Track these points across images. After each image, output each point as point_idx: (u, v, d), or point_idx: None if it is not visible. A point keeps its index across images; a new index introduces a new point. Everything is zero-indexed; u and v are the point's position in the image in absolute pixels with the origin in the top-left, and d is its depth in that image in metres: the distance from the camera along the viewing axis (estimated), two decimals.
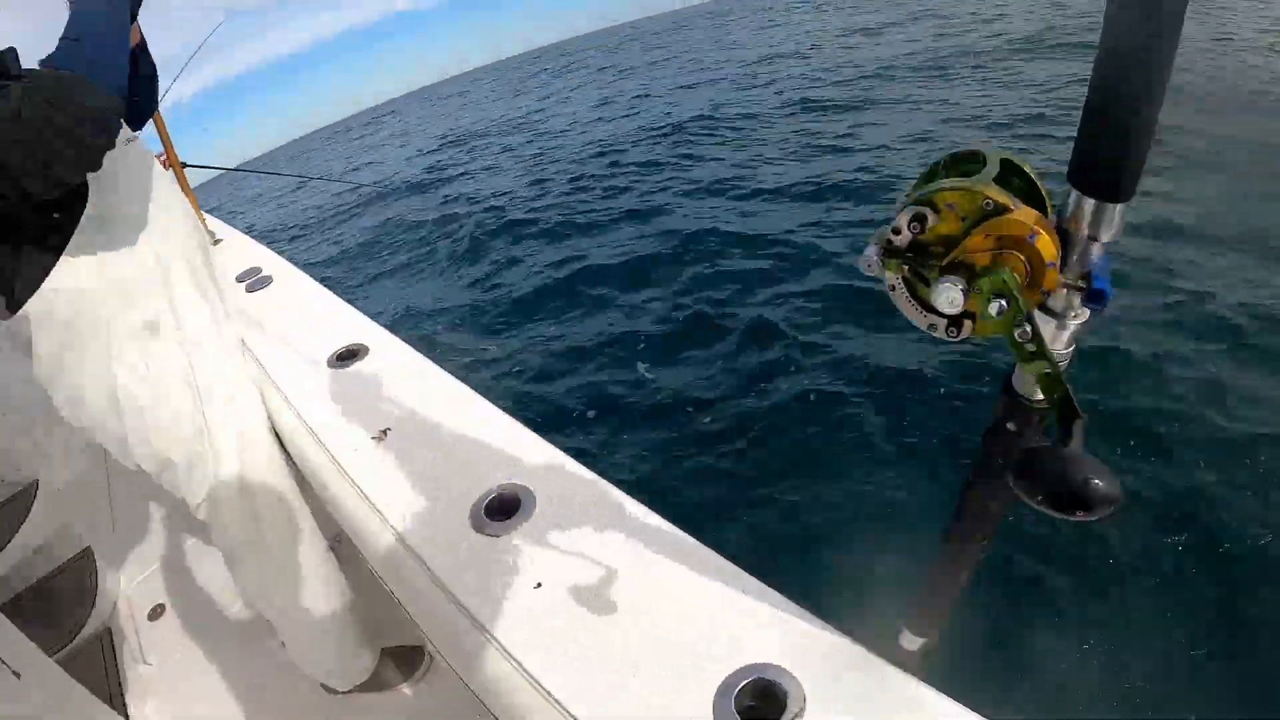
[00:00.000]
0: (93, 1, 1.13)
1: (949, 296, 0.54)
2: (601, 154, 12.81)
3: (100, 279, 1.25)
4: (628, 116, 16.20)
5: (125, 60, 1.20)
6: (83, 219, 1.18)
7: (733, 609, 0.88)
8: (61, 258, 1.18)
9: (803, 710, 0.74)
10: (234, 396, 1.49)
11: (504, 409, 1.35)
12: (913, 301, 0.60)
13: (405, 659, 1.92)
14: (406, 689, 1.89)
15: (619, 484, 1.10)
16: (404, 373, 1.57)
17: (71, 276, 1.20)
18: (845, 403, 4.14)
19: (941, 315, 0.58)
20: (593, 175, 11.42)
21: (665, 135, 12.83)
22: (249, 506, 1.53)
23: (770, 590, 0.90)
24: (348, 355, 1.69)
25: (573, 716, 0.81)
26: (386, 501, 1.20)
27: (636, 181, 10.28)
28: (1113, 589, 2.73)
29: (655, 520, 1.03)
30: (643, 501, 1.06)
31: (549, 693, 0.85)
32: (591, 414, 4.69)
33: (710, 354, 5.05)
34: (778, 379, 4.53)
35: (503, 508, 1.10)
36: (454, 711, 1.80)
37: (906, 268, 0.58)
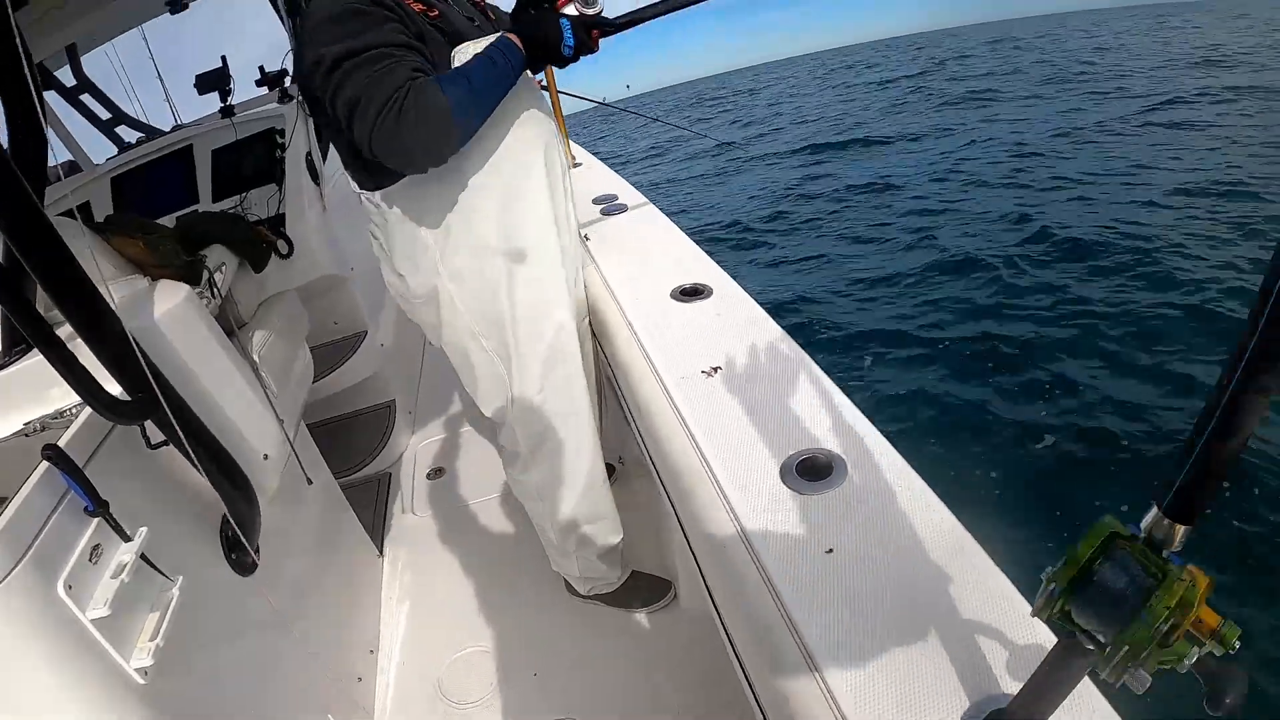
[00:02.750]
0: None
1: None
2: None
3: (442, 184, 1.43)
4: None
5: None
6: None
7: (998, 638, 0.84)
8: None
9: None
10: (549, 311, 1.61)
11: (835, 380, 1.36)
12: None
13: (651, 587, 2.05)
14: (643, 615, 2.03)
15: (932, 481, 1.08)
16: (742, 320, 1.64)
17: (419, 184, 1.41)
18: None
19: None
20: None
21: None
22: (543, 415, 1.68)
23: (1044, 631, 0.84)
24: (691, 292, 1.81)
25: (826, 682, 0.84)
26: (701, 432, 1.30)
27: None
28: None
29: (962, 533, 1.00)
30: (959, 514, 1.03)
31: (809, 653, 0.88)
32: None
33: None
34: None
35: (815, 470, 1.14)
36: (682, 648, 1.90)
37: None
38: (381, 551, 2.42)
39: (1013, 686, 0.77)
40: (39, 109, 1.28)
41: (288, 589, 1.65)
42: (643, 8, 1.57)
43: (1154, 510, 0.55)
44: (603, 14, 1.49)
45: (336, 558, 2.09)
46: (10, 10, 1.02)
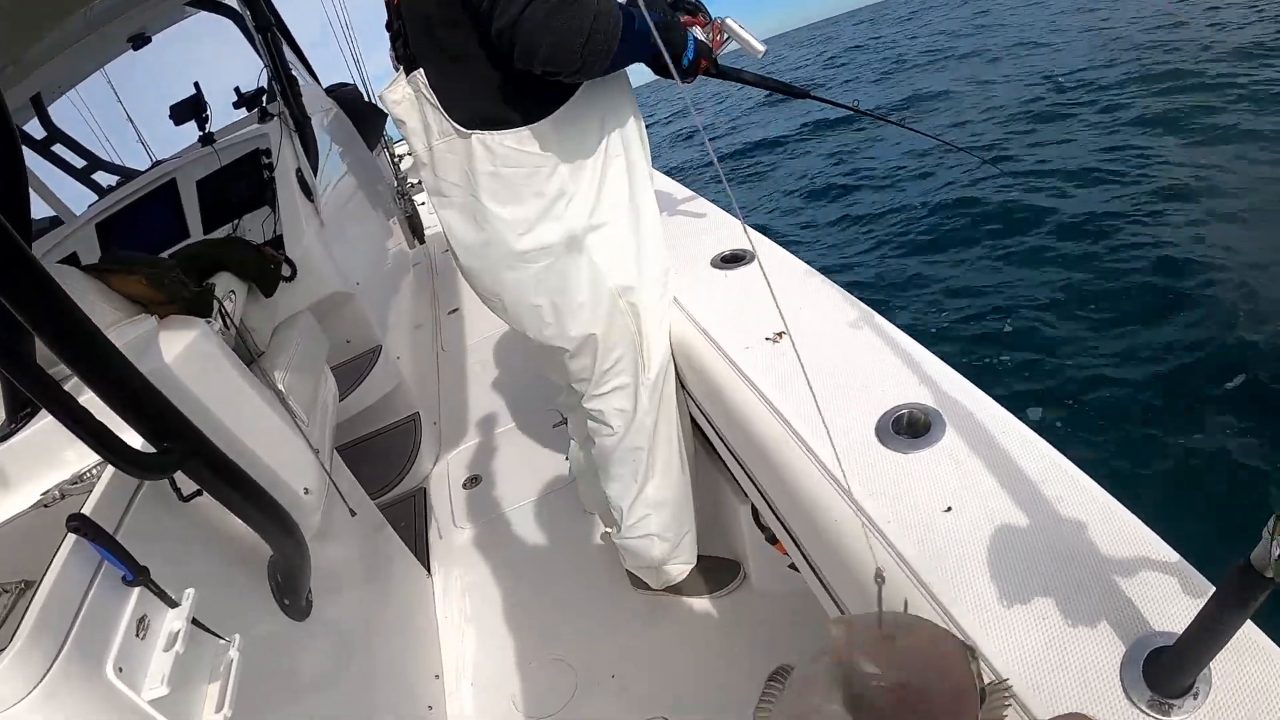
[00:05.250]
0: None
1: None
2: None
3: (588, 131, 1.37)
4: None
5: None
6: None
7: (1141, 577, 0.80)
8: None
9: None
10: (663, 277, 1.57)
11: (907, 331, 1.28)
12: None
13: (721, 570, 1.98)
14: (716, 599, 1.95)
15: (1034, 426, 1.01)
16: (793, 281, 1.55)
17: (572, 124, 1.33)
18: None
19: None
20: None
21: None
22: (657, 387, 1.60)
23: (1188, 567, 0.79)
24: (732, 259, 1.71)
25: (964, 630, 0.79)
26: (781, 398, 1.21)
27: None
28: None
29: (1076, 472, 0.94)
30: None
31: (949, 614, 0.82)
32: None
33: None
34: None
35: (913, 427, 1.07)
36: (761, 626, 1.83)
37: None
38: (429, 570, 2.33)
39: (1167, 626, 0.74)
40: (20, 165, 1.16)
41: (343, 626, 1.56)
42: (745, 71, 1.60)
43: None
44: (720, 55, 1.50)
45: (387, 585, 2.00)
46: None
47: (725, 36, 1.49)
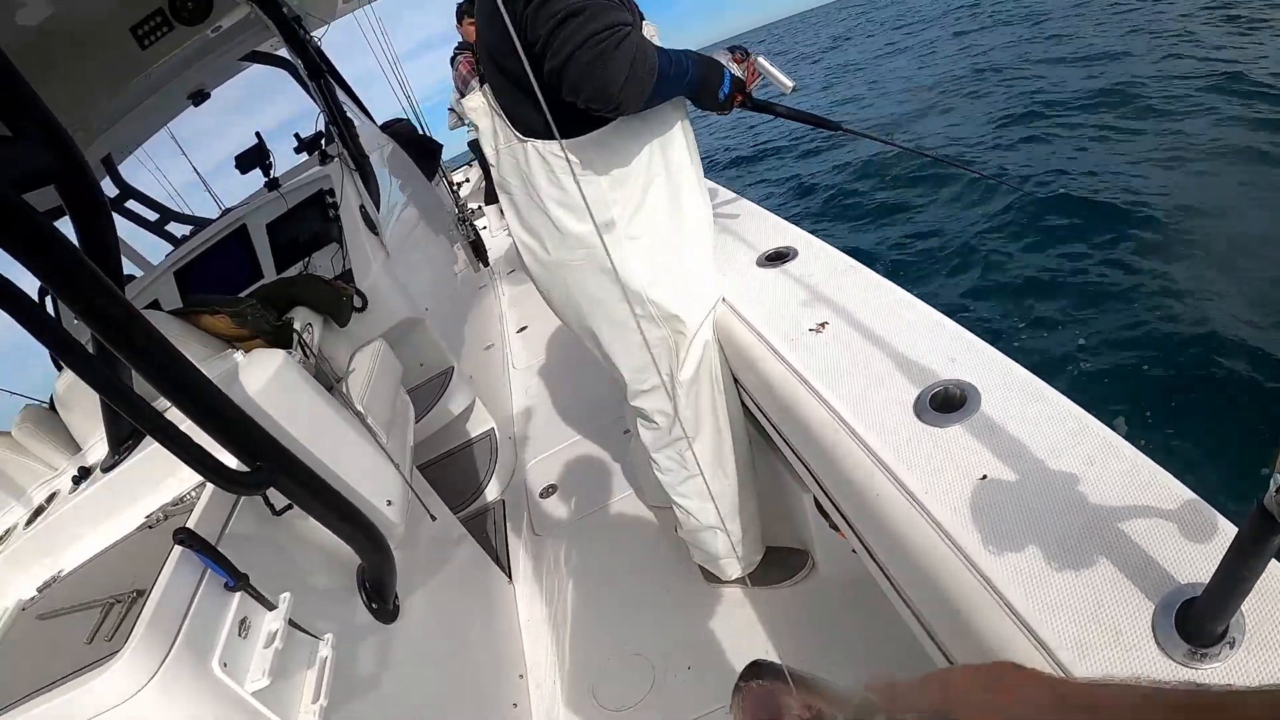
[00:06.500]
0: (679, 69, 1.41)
1: None
2: None
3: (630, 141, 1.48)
4: None
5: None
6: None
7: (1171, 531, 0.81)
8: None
9: None
10: (706, 284, 1.66)
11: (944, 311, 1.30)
12: None
13: (790, 560, 2.01)
14: (787, 588, 1.97)
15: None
16: (834, 273, 1.59)
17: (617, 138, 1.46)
18: None
19: None
20: None
21: None
22: (706, 386, 1.68)
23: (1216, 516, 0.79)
24: (776, 256, 1.75)
25: (1010, 604, 0.81)
26: (824, 385, 1.25)
27: None
28: None
29: (1106, 433, 0.95)
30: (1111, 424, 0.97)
31: (986, 578, 0.84)
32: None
33: None
34: None
35: (949, 402, 1.10)
36: (832, 612, 1.84)
37: None
38: (510, 577, 2.42)
39: (1197, 577, 0.74)
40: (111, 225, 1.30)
41: (430, 629, 1.65)
42: (778, 104, 1.67)
43: None
44: (753, 88, 1.59)
45: (470, 590, 2.10)
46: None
47: (759, 73, 1.58)
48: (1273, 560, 0.64)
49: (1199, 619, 0.68)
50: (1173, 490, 0.84)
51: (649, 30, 1.46)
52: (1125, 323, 4.28)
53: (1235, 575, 0.63)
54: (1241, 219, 4.88)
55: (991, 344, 1.18)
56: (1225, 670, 0.67)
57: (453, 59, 5.02)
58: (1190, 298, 4.27)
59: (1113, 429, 0.94)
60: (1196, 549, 0.77)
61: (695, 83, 1.47)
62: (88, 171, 1.04)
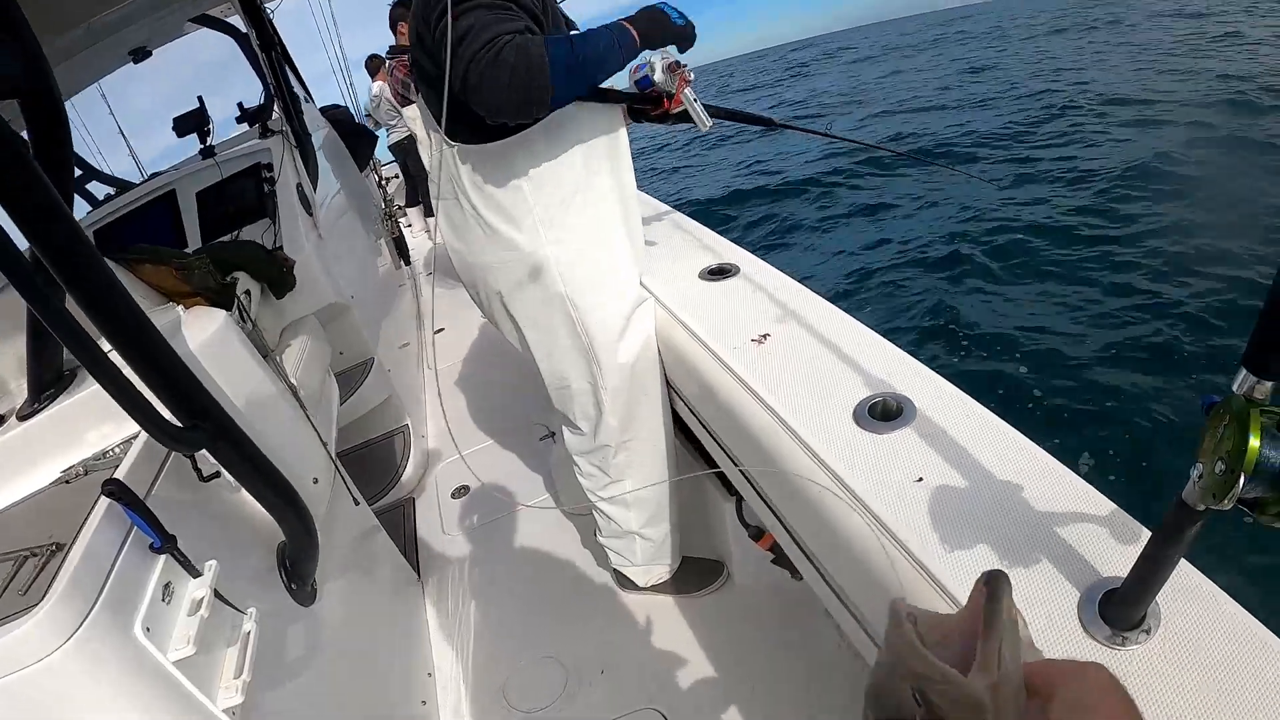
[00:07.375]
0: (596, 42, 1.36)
1: None
2: None
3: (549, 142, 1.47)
4: None
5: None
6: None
7: (1090, 531, 0.90)
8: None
9: None
10: (633, 286, 1.68)
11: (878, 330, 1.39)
12: None
13: (706, 570, 2.05)
14: (701, 598, 2.01)
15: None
16: (775, 290, 1.66)
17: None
18: None
19: None
20: None
21: None
22: (633, 392, 1.70)
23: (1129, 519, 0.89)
24: (719, 271, 1.81)
25: (950, 593, 0.87)
26: (768, 391, 1.30)
27: None
28: None
29: (1031, 447, 1.05)
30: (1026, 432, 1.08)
31: (925, 568, 0.91)
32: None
33: None
34: None
35: (885, 412, 1.17)
36: (745, 622, 1.90)
37: None
38: (419, 574, 2.37)
39: (1114, 570, 0.83)
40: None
41: (343, 617, 1.60)
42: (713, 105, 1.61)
43: (1242, 373, 0.57)
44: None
45: (381, 583, 2.04)
46: None
47: (683, 101, 1.53)
48: (1183, 560, 0.73)
49: (1120, 604, 0.76)
50: (1090, 496, 0.93)
51: (661, 61, 1.48)
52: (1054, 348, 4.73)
53: (1155, 561, 0.70)
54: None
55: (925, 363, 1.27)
56: (1143, 654, 0.75)
57: (384, 60, 4.96)
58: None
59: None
60: (1117, 549, 0.85)
61: (632, 44, 1.39)
62: (55, 89, 0.99)
